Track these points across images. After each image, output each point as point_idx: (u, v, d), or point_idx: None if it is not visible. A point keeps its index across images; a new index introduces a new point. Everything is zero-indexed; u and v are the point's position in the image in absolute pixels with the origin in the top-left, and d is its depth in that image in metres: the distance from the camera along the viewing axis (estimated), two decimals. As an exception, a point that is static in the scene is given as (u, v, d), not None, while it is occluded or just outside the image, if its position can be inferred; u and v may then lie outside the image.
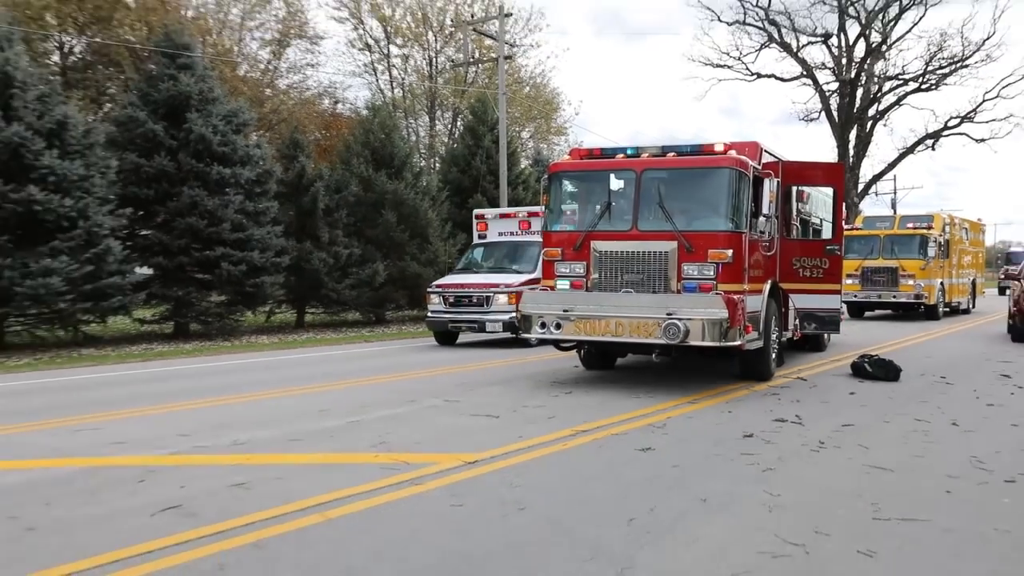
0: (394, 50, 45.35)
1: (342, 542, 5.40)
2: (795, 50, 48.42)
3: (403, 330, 25.46)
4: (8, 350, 18.57)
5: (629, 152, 12.16)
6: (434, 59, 45.47)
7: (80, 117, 20.72)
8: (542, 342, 14.69)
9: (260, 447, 8.28)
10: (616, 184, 12.15)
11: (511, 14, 38.00)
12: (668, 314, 10.94)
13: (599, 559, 5.10)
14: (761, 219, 12.01)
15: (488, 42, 39.14)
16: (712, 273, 11.25)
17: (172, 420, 9.89)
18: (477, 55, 40.05)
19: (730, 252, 11.27)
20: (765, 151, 13.23)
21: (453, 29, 43.96)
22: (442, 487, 6.70)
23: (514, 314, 16.64)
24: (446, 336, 20.34)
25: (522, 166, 35.44)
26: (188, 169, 21.74)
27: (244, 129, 24.28)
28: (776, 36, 48.05)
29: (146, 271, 21.63)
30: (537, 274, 16.89)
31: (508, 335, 19.15)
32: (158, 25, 30.64)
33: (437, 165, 36.29)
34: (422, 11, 44.27)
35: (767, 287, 12.50)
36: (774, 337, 12.92)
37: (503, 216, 22.26)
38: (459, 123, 42.47)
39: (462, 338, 21.20)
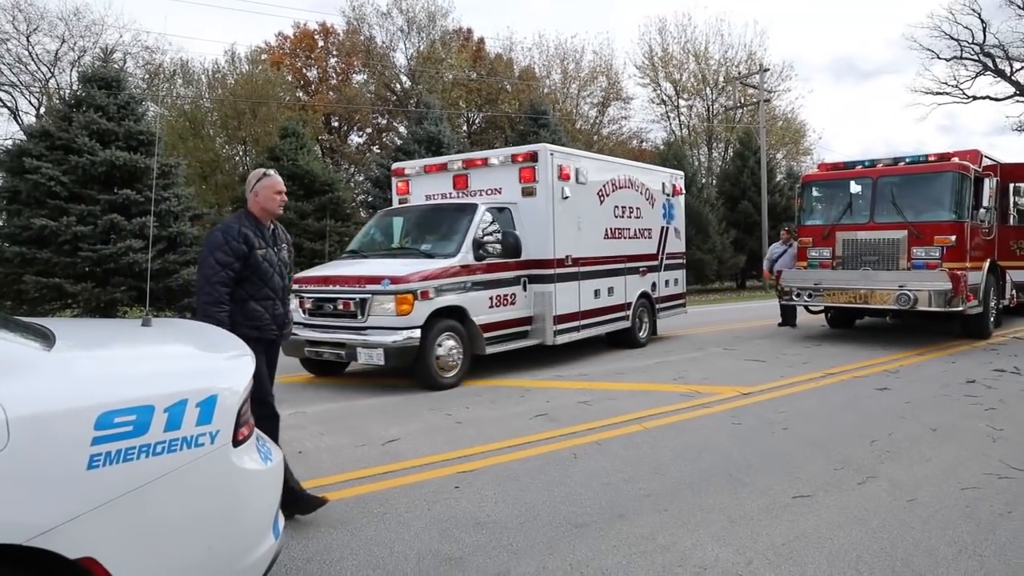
0: (682, 102, 43.94)
1: (655, 444, 5.35)
2: (1009, 74, 40.77)
3: (691, 299, 24.66)
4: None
5: (866, 163, 11.03)
6: (711, 106, 43.54)
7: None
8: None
9: (597, 377, 8.40)
10: (856, 188, 11.02)
11: (768, 69, 35.56)
12: (900, 286, 9.91)
13: (848, 468, 4.66)
14: (981, 211, 10.48)
15: (750, 91, 36.82)
16: (938, 254, 9.95)
17: (538, 355, 9.61)
18: (743, 101, 37.92)
19: (953, 237, 9.94)
20: (984, 156, 11.56)
21: (725, 84, 41.89)
22: (725, 411, 6.44)
23: (410, 333, 7.39)
24: (310, 364, 8.54)
25: (777, 179, 32.95)
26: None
27: (581, 165, 24.76)
28: (991, 65, 40.68)
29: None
30: (462, 259, 8.03)
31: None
32: (525, 100, 31.93)
33: (714, 182, 34.71)
34: (702, 73, 42.51)
35: (986, 264, 10.83)
36: (992, 304, 11.16)
37: (431, 169, 9.96)
38: (729, 150, 40.40)
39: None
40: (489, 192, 9.35)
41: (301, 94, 38.54)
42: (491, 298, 8.44)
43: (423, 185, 10.08)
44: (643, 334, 11.05)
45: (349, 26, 39.55)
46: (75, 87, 18.47)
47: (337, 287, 7.85)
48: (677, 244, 12.17)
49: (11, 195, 14.48)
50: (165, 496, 2.17)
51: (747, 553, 3.42)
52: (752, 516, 3.88)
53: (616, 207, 10.43)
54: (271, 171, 4.13)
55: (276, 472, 2.65)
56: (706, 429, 5.79)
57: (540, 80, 40.21)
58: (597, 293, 9.90)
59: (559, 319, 9.09)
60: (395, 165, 10.60)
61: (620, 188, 10.57)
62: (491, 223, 8.60)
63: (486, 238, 8.39)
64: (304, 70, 40.46)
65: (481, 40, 42.32)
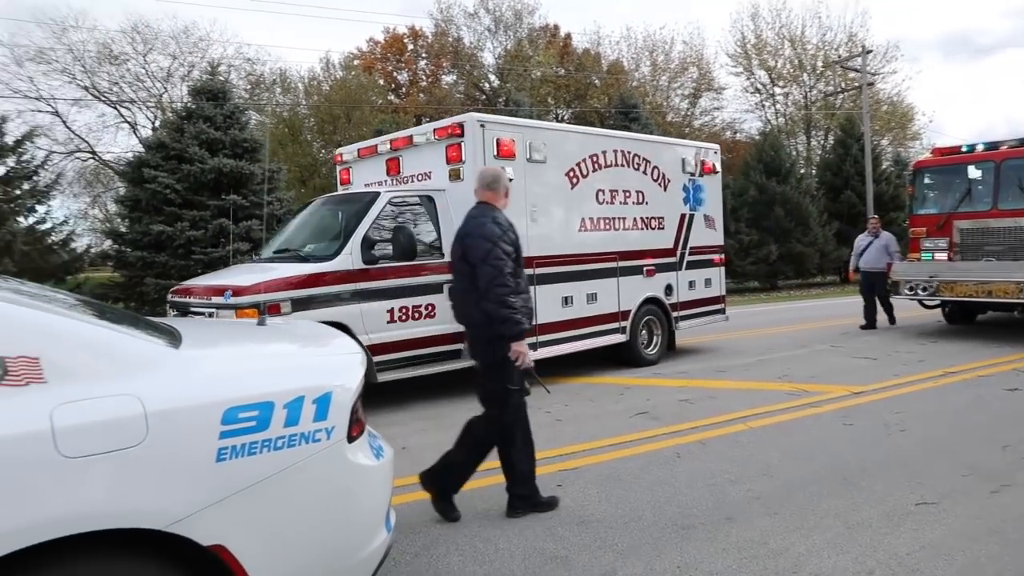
0: (777, 90, 42.33)
1: (761, 445, 5.17)
2: None
3: (791, 294, 23.88)
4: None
5: (987, 146, 10.27)
6: (808, 93, 41.72)
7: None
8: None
9: (697, 375, 8.20)
10: (975, 173, 10.27)
11: (871, 51, 33.65)
12: (1029, 278, 9.15)
13: (977, 475, 4.34)
14: None
15: (852, 75, 35.04)
16: None
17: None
18: (844, 85, 36.10)
19: None
20: None
21: (823, 69, 40.02)
22: (834, 411, 6.14)
23: None
24: None
25: (883, 166, 31.27)
26: (636, 188, 22.21)
27: (672, 158, 24.28)
28: None
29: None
30: (344, 262, 6.53)
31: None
32: (615, 95, 31.60)
33: (814, 171, 33.24)
34: (798, 59, 40.81)
35: None
36: None
37: (365, 153, 8.44)
38: (830, 138, 38.63)
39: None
40: (420, 177, 7.79)
41: (393, 97, 39.53)
42: (391, 311, 6.73)
43: (362, 172, 8.50)
44: (652, 349, 9.05)
45: (437, 28, 40.27)
46: (186, 100, 19.61)
47: (191, 299, 6.60)
48: (708, 235, 9.94)
49: (133, 203, 15.56)
50: (285, 489, 2.25)
51: (867, 562, 3.24)
52: (871, 523, 3.68)
53: (600, 191, 8.43)
54: None
55: (388, 468, 2.71)
56: (815, 429, 5.54)
57: (629, 73, 39.67)
58: (567, 301, 7.97)
59: None
60: (336, 151, 9.25)
61: (608, 167, 8.52)
62: (398, 217, 6.98)
63: (385, 236, 6.76)
64: (395, 73, 41.46)
65: (568, 36, 42.17)
